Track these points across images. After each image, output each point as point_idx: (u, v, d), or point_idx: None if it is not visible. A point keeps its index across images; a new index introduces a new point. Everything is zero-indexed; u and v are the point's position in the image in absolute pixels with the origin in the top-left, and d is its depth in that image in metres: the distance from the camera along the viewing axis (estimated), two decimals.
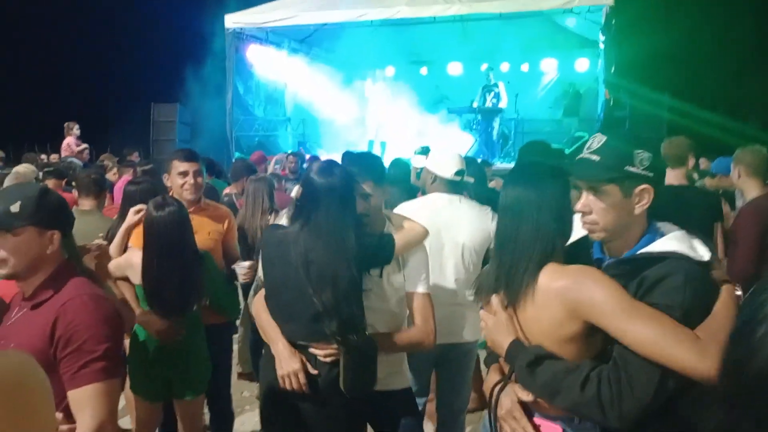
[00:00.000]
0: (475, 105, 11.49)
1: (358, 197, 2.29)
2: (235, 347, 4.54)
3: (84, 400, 1.70)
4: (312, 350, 2.20)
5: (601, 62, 10.75)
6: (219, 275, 3.18)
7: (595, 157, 1.63)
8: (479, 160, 5.90)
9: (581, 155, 1.68)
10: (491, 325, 1.77)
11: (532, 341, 1.68)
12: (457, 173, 3.17)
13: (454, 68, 13.95)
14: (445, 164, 3.18)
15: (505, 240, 1.75)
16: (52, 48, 21.04)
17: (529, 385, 1.65)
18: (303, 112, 13.65)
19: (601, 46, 10.56)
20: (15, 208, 1.76)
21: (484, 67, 11.75)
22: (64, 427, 1.65)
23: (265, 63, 12.46)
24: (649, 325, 1.46)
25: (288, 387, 2.22)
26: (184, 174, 3.25)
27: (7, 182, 4.78)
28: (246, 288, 4.26)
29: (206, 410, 3.39)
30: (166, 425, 3.11)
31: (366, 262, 2.27)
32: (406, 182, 4.81)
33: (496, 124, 11.25)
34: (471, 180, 3.78)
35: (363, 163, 2.48)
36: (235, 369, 4.77)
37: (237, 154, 10.74)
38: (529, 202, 1.71)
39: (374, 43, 12.56)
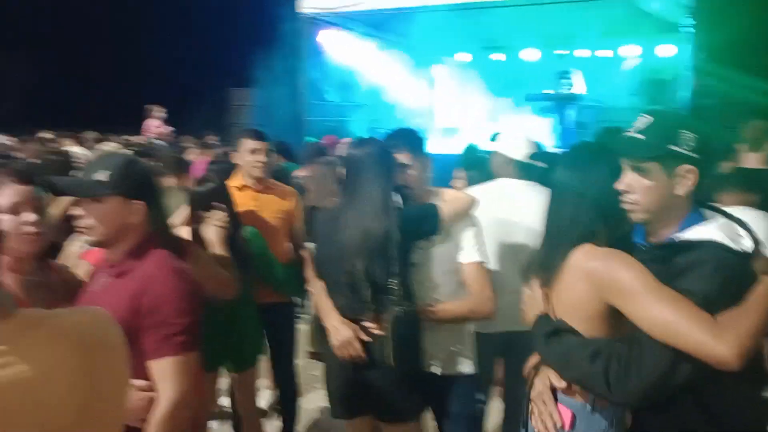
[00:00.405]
0: (550, 92, 11.19)
1: (395, 169, 2.32)
2: (307, 327, 4.62)
3: (165, 371, 1.75)
4: (363, 323, 2.22)
5: (688, 47, 10.23)
6: (268, 254, 3.22)
7: (640, 136, 1.62)
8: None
9: (626, 133, 1.67)
10: (527, 302, 1.85)
11: (564, 315, 1.71)
12: (529, 156, 3.09)
13: (529, 54, 13.60)
14: (516, 146, 3.11)
15: (548, 222, 1.80)
16: (132, 34, 21.91)
17: (544, 354, 1.72)
18: (375, 97, 13.66)
19: (689, 29, 10.03)
20: (102, 176, 1.80)
21: (560, 53, 11.41)
22: (147, 393, 1.71)
23: (338, 48, 12.53)
24: (668, 308, 1.45)
25: (345, 356, 2.25)
26: (254, 152, 3.33)
27: None
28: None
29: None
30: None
31: (410, 233, 2.26)
32: (482, 168, 4.73)
33: (572, 111, 10.93)
34: (543, 165, 3.68)
35: (399, 135, 2.51)
36: (306, 348, 4.87)
37: (309, 139, 10.87)
38: (571, 185, 1.75)
39: (447, 28, 12.39)
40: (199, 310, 1.90)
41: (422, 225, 2.30)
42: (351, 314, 2.28)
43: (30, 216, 1.83)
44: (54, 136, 9.29)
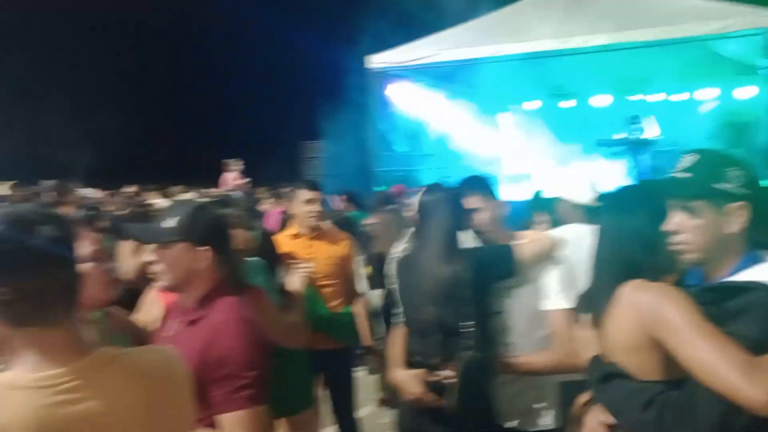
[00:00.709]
0: (620, 137, 10.97)
1: (463, 212, 2.31)
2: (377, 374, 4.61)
3: (231, 425, 1.71)
4: (437, 372, 2.18)
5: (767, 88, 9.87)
6: (318, 300, 3.26)
7: (686, 174, 1.59)
8: None
9: (672, 173, 1.64)
10: (579, 343, 1.82)
11: (610, 355, 1.67)
12: (596, 199, 3.02)
13: (599, 100, 13.44)
14: (581, 190, 3.06)
15: (596, 259, 1.79)
16: (209, 91, 23.21)
17: (599, 399, 1.67)
18: (443, 146, 13.77)
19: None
20: (171, 223, 1.86)
21: (633, 98, 11.22)
22: None
23: (406, 100, 12.78)
24: (709, 347, 1.40)
25: (415, 407, 2.22)
26: (308, 201, 3.42)
27: None
28: (387, 315, 4.34)
29: None
30: None
31: (483, 275, 2.21)
32: (549, 214, 4.67)
33: (646, 156, 10.65)
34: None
35: (469, 180, 2.52)
36: (377, 396, 4.85)
37: (377, 188, 11.04)
38: (615, 224, 1.75)
39: (515, 77, 12.44)
40: (268, 361, 1.88)
41: (496, 266, 2.24)
42: (425, 360, 2.23)
43: (108, 264, 1.92)
44: (139, 189, 9.83)
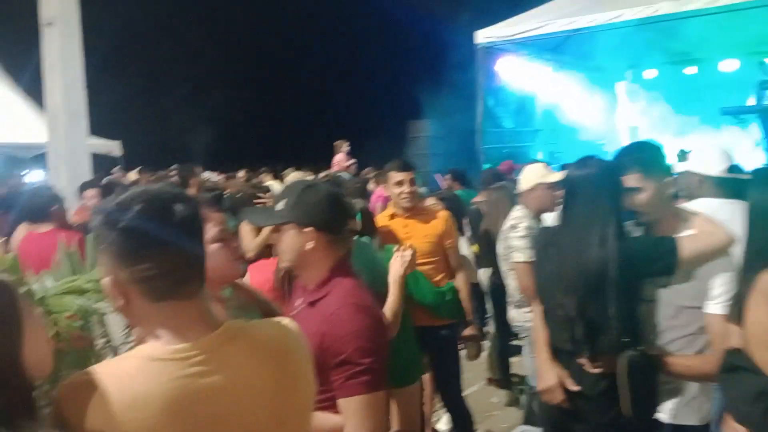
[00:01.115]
0: (751, 104, 10.10)
1: (623, 191, 2.05)
2: (485, 354, 4.58)
3: (350, 410, 1.70)
4: (579, 360, 2.08)
5: None
6: (418, 277, 3.24)
7: None
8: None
9: None
10: (718, 335, 1.78)
11: (747, 348, 1.56)
12: (729, 170, 2.77)
13: (727, 65, 12.41)
14: (712, 161, 2.82)
15: (747, 246, 1.66)
16: (319, 74, 23.77)
17: (721, 391, 1.62)
18: (553, 121, 13.32)
19: None
20: (280, 205, 1.88)
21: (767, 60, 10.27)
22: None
23: (515, 74, 12.44)
24: None
25: (547, 401, 2.16)
26: (400, 183, 3.41)
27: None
28: (496, 294, 4.29)
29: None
30: None
31: (637, 269, 2.00)
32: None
33: None
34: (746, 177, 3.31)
35: (629, 151, 2.19)
36: (485, 375, 4.83)
37: (485, 166, 10.87)
38: (761, 209, 1.61)
39: (630, 45, 11.74)
40: (385, 345, 1.83)
41: (653, 262, 1.99)
42: (564, 346, 2.11)
43: (234, 243, 2.00)
44: (255, 173, 10.28)
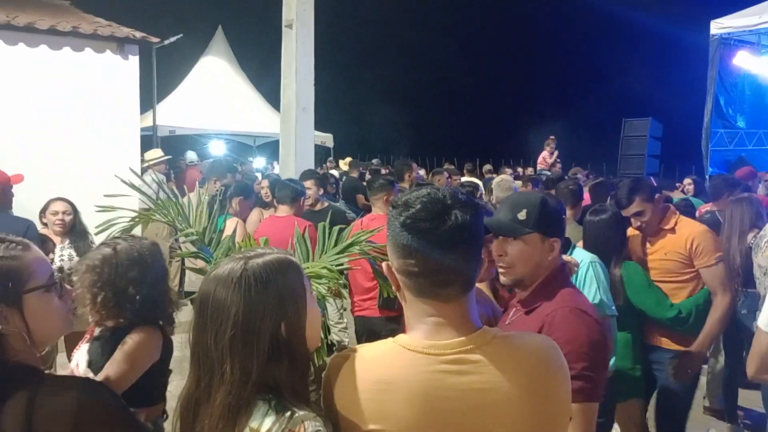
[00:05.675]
0: None
1: None
2: (704, 378, 4.16)
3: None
4: None
5: None
6: (651, 290, 3.03)
7: None
8: None
9: None
10: None
11: None
12: None
13: None
14: None
15: None
16: (535, 76, 23.35)
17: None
18: None
19: None
20: (522, 215, 1.86)
21: None
22: None
23: (755, 70, 11.08)
24: None
25: None
26: None
27: (495, 190, 5.47)
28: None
29: None
30: None
31: None
32: None
33: None
34: None
35: None
36: (702, 402, 4.38)
37: (711, 170, 9.88)
38: None
39: None
40: (603, 355, 1.77)
41: None
42: None
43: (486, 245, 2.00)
44: (455, 168, 10.40)
